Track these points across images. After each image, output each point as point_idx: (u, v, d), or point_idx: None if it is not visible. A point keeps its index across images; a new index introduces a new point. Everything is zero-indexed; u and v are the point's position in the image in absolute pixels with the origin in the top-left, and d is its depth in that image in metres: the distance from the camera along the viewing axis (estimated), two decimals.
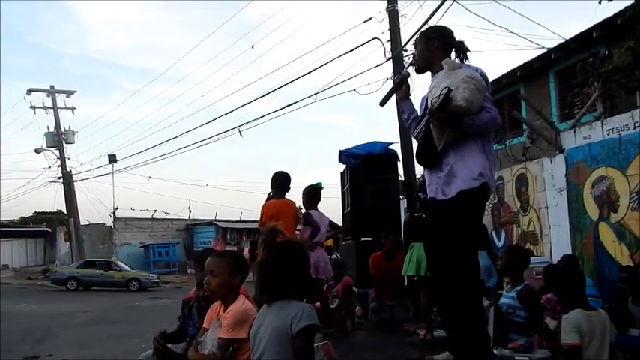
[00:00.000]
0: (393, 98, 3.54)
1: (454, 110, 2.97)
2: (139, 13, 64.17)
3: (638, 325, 4.70)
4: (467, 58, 3.30)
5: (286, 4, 52.84)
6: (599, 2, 6.31)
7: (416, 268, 5.07)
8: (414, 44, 3.59)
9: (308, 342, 2.36)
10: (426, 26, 5.82)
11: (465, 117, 3.01)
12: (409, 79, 3.51)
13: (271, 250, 2.48)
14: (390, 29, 10.70)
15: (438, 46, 3.30)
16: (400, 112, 3.62)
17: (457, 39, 3.35)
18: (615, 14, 8.15)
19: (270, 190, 5.57)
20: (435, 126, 3.12)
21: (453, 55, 3.30)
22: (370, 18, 11.14)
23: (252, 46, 22.69)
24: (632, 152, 5.45)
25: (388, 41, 10.68)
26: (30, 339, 9.22)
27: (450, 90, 2.92)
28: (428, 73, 3.39)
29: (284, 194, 5.49)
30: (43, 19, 60.01)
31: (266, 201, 5.53)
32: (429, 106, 3.06)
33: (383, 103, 3.46)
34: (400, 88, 3.46)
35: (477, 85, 3.02)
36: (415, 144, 3.60)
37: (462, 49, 3.30)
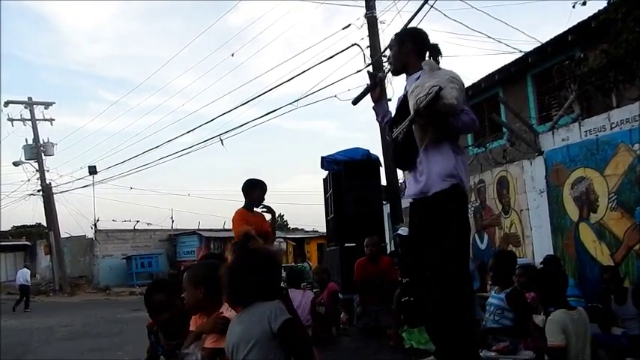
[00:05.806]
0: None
1: (442, 109, 2.96)
2: (117, 23, 63.75)
3: (620, 324, 4.76)
4: (438, 62, 3.33)
5: (266, 11, 53.04)
6: (573, 6, 6.39)
7: None
8: (389, 46, 3.59)
9: (294, 330, 2.32)
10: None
11: (451, 117, 3.02)
12: (384, 82, 3.51)
13: (240, 255, 2.42)
14: (369, 35, 10.78)
15: (411, 49, 3.33)
16: (376, 115, 3.59)
17: (431, 41, 3.38)
18: (589, 17, 8.28)
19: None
20: (418, 126, 3.11)
21: (427, 57, 3.32)
22: (349, 25, 11.23)
23: (232, 55, 22.64)
24: (609, 153, 5.53)
25: (367, 47, 10.76)
26: (10, 355, 9.03)
27: (440, 88, 2.91)
28: (403, 76, 3.39)
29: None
30: (19, 30, 59.26)
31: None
32: (415, 106, 3.02)
33: (355, 102, 3.45)
34: (374, 90, 3.46)
35: (460, 87, 3.05)
36: (391, 145, 3.58)
37: (435, 52, 3.33)
